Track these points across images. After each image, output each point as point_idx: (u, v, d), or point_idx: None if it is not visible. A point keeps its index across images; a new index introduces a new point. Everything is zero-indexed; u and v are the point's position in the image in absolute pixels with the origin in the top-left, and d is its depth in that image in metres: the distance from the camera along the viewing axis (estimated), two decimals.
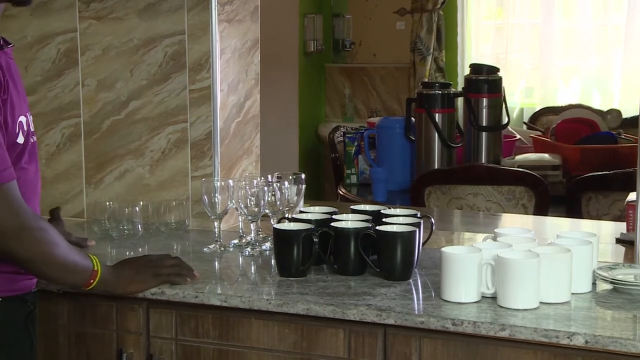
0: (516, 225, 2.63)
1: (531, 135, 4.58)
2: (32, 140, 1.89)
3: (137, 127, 2.63)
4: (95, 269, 1.89)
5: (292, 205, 2.33)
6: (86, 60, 2.67)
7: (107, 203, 2.50)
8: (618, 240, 2.42)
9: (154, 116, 2.62)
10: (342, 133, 4.72)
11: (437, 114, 3.86)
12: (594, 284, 1.98)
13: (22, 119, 1.82)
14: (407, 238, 2.04)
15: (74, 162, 2.70)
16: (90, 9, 2.64)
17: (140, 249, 2.38)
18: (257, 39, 2.72)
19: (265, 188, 2.26)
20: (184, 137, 2.59)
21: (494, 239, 2.06)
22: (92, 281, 1.89)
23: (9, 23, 2.70)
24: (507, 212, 3.38)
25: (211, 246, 2.34)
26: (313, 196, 5.26)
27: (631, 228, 2.32)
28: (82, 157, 2.70)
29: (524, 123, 5.95)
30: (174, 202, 2.57)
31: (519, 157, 4.03)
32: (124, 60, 2.63)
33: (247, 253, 2.29)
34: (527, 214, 3.38)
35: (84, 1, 2.64)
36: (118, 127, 2.65)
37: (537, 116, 5.92)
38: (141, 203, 2.51)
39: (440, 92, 3.89)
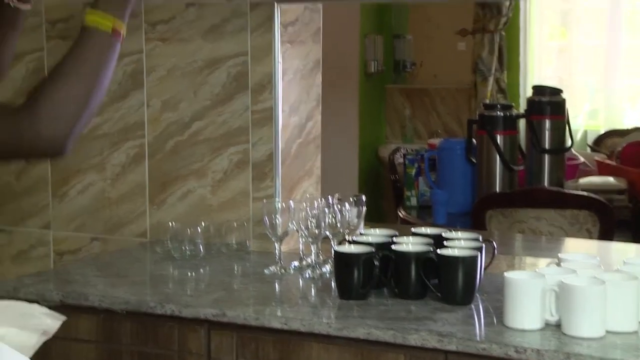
0: (580, 251, 2.59)
1: (595, 158, 4.51)
2: None
3: (200, 148, 2.66)
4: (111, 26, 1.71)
5: (353, 227, 2.32)
6: (151, 81, 2.71)
7: (170, 223, 2.53)
8: None
9: (216, 137, 2.64)
10: (402, 154, 4.71)
11: (498, 136, 3.82)
12: None
13: None
14: (469, 262, 2.02)
15: (138, 183, 2.74)
16: (156, 30, 2.68)
17: (201, 270, 2.40)
18: (319, 60, 2.73)
19: (326, 209, 2.25)
20: (245, 158, 2.61)
21: (558, 264, 2.03)
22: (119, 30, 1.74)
23: None
24: (570, 237, 3.32)
25: (272, 268, 2.34)
26: (373, 218, 5.23)
27: None
28: (145, 178, 2.73)
29: (588, 146, 5.87)
30: (235, 223, 2.58)
31: (582, 181, 3.97)
32: (188, 81, 2.66)
33: (307, 275, 2.29)
34: (591, 239, 3.31)
35: (150, 23, 2.69)
36: (181, 148, 2.68)
37: (601, 139, 5.83)
38: (203, 224, 2.53)
39: (502, 113, 3.85)
